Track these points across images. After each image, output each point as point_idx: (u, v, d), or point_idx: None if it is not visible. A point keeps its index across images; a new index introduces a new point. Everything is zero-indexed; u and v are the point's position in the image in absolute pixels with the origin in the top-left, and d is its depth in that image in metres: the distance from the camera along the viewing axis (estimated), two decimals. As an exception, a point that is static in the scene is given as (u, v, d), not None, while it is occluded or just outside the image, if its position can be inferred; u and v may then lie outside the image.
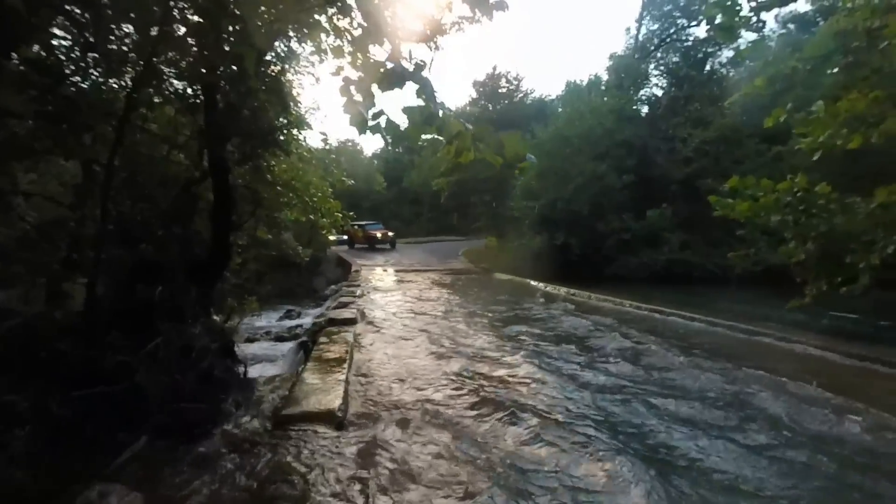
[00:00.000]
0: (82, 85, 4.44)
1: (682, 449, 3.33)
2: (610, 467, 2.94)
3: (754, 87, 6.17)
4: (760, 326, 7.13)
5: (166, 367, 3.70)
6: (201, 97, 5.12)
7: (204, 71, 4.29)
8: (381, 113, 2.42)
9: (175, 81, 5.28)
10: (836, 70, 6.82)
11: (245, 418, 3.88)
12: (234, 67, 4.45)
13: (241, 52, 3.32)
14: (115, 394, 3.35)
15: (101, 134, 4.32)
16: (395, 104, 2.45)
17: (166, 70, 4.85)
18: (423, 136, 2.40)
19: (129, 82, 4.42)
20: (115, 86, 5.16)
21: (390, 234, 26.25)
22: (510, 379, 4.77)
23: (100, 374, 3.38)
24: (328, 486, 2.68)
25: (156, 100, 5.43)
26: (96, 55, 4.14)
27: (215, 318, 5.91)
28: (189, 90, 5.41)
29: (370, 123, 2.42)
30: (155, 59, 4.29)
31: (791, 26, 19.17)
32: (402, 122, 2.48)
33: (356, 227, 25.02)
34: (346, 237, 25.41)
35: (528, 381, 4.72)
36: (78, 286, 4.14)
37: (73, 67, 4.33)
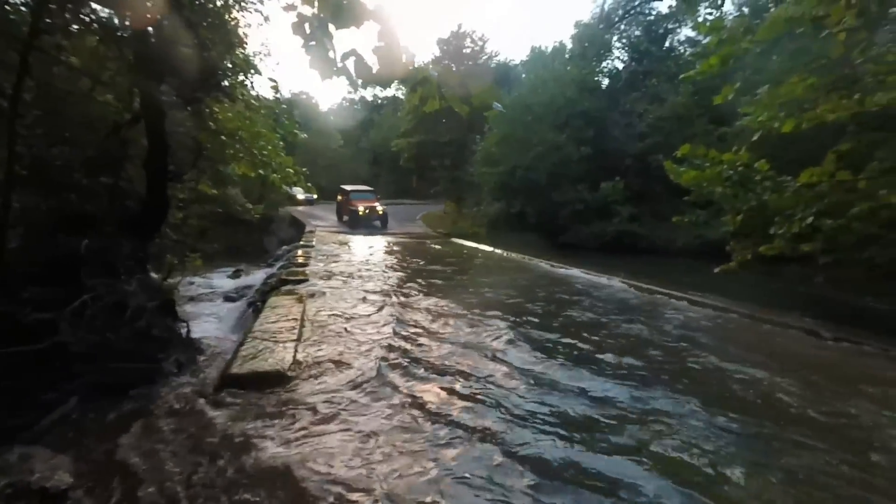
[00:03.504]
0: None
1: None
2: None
3: (708, 66, 6.35)
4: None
5: (95, 324, 3.43)
6: (129, 28, 4.52)
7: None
8: (351, 53, 2.23)
9: (97, 7, 4.63)
10: (781, 55, 7.18)
11: (186, 379, 3.72)
12: (168, -5, 3.93)
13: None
14: (37, 353, 3.08)
15: (4, 61, 3.73)
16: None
17: (84, -9, 4.22)
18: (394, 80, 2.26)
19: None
20: (21, 7, 4.44)
21: (380, 208, 18.64)
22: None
23: (16, 331, 3.08)
24: (269, 447, 2.64)
25: (73, 27, 4.75)
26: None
27: (153, 275, 5.53)
28: (115, 20, 4.76)
29: (337, 66, 2.23)
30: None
31: (745, 10, 19.84)
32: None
33: (344, 192, 19.96)
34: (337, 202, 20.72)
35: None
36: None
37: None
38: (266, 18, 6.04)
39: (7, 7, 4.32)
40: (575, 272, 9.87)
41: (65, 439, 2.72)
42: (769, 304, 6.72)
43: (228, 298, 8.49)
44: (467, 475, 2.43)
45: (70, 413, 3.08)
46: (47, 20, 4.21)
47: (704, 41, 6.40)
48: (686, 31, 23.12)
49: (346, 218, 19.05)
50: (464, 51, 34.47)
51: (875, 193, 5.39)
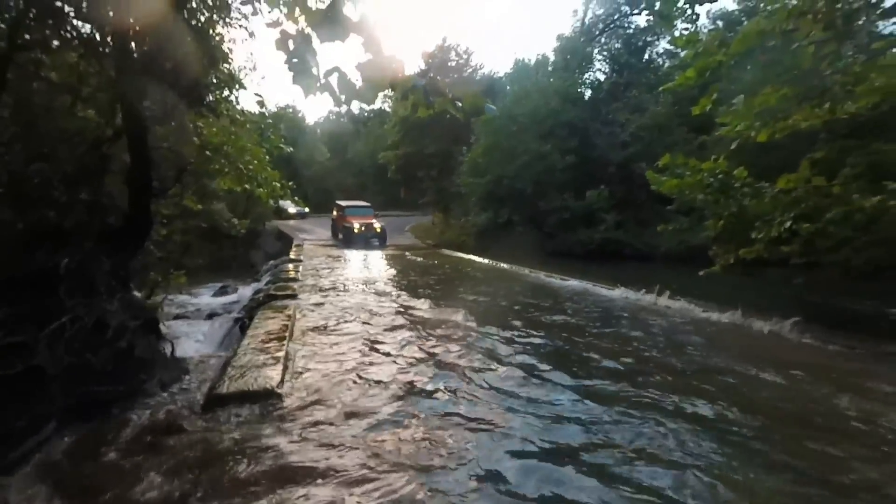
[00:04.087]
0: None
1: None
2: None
3: (685, 78, 6.56)
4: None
5: (74, 346, 3.33)
6: (110, 43, 4.48)
7: (111, 12, 3.73)
8: (334, 70, 2.24)
9: (77, 22, 4.58)
10: (755, 67, 7.45)
11: (170, 400, 3.61)
12: (150, 11, 3.91)
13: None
14: (9, 378, 2.96)
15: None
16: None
17: (64, 8, 4.17)
18: (378, 95, 2.27)
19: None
20: (-1, 23, 4.38)
21: (377, 225, 17.48)
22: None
23: (-10, 355, 2.96)
24: (258, 467, 2.57)
25: (53, 42, 4.69)
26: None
27: (135, 293, 5.40)
28: (97, 35, 4.71)
29: (320, 82, 2.24)
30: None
31: (720, 23, 20.59)
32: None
33: (340, 207, 19.00)
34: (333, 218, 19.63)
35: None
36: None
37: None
38: (251, 34, 6.05)
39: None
40: (574, 284, 9.84)
41: (42, 467, 2.61)
42: (750, 307, 6.85)
43: (214, 315, 8.33)
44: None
45: (47, 439, 2.96)
46: (26, 36, 4.16)
47: (682, 54, 6.61)
48: (664, 44, 23.91)
49: (340, 235, 18.11)
50: (449, 63, 34.88)
51: (849, 198, 5.59)
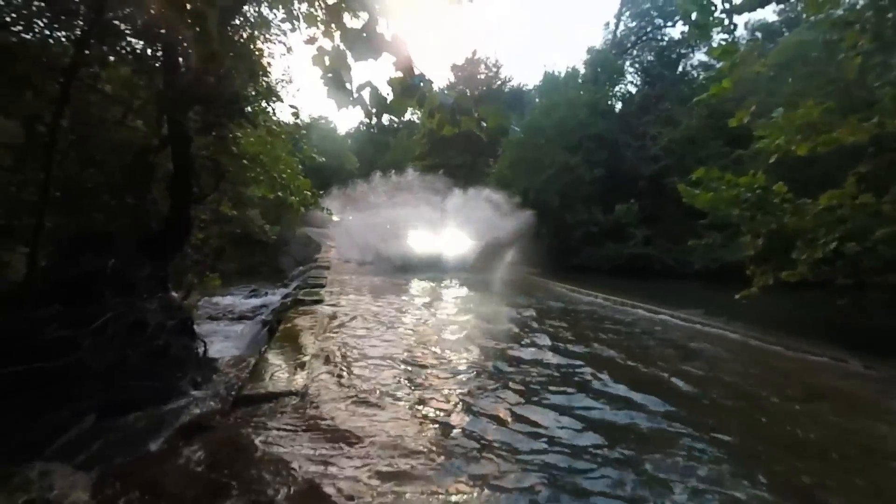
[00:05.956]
0: (24, 35, 4.05)
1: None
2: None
3: (721, 88, 6.37)
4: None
5: (115, 343, 3.51)
6: (161, 58, 4.78)
7: (163, 30, 3.99)
8: (366, 84, 2.32)
9: (132, 39, 4.92)
10: (795, 78, 7.19)
11: (202, 398, 3.75)
12: (198, 29, 4.16)
13: (202, 11, 3.10)
14: (55, 370, 3.15)
15: (46, 91, 3.97)
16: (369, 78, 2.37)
17: (121, 26, 4.49)
18: (407, 109, 2.33)
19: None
20: (63, 40, 4.74)
21: None
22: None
23: (37, 349, 3.17)
24: (282, 471, 2.63)
25: (110, 58, 5.04)
26: (40, 3, 3.77)
27: (173, 294, 5.65)
28: (148, 51, 5.04)
29: (353, 96, 2.32)
30: (108, 14, 3.96)
31: (758, 34, 19.99)
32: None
33: None
34: None
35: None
36: (17, 255, 3.84)
37: (13, 15, 3.93)
38: (289, 49, 6.32)
39: (51, 41, 4.62)
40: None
41: (83, 456, 2.76)
42: (794, 331, 6.49)
43: (244, 318, 8.60)
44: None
45: (87, 430, 3.12)
46: (86, 52, 4.49)
47: (718, 65, 6.46)
48: (699, 56, 23.41)
49: None
50: (478, 76, 35.24)
51: (899, 216, 5.26)
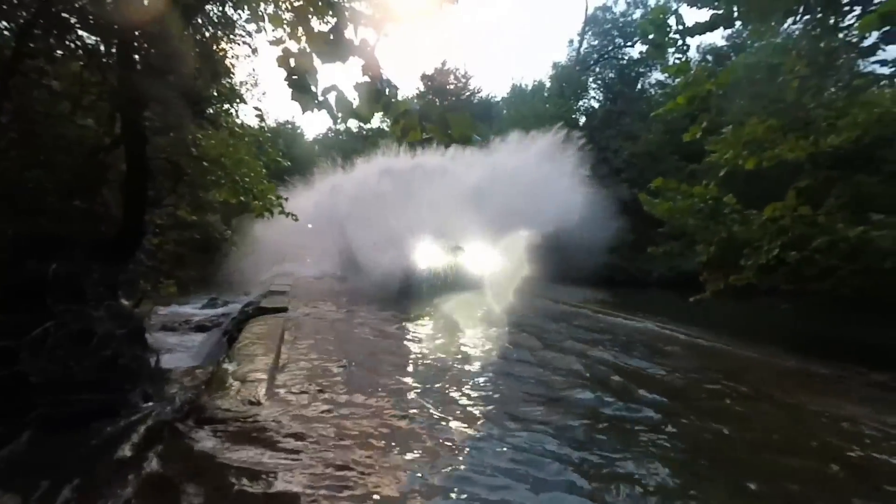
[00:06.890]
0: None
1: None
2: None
3: (676, 105, 6.77)
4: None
5: (57, 353, 3.27)
6: (115, 54, 4.56)
7: (116, 25, 3.81)
8: (332, 88, 2.29)
9: (83, 33, 4.67)
10: (743, 98, 7.72)
11: (152, 411, 3.54)
12: (157, 25, 4.01)
13: (161, 7, 2.99)
14: (-10, 383, 2.90)
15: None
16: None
17: (70, 19, 4.26)
18: (374, 115, 2.33)
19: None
20: (4, 31, 4.45)
21: None
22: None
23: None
24: (235, 477, 2.51)
25: (57, 52, 4.76)
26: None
27: (124, 301, 5.33)
28: (101, 46, 4.80)
29: (318, 100, 2.29)
30: (54, 5, 3.75)
31: (709, 58, 21.40)
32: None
33: None
34: None
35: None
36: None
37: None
38: (254, 51, 6.18)
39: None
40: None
41: (14, 477, 2.53)
42: (739, 333, 6.86)
43: (202, 327, 8.22)
44: None
45: (22, 448, 2.87)
46: (31, 45, 4.23)
47: (674, 83, 6.85)
48: (656, 75, 24.72)
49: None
50: (448, 87, 35.67)
51: (834, 227, 5.72)
